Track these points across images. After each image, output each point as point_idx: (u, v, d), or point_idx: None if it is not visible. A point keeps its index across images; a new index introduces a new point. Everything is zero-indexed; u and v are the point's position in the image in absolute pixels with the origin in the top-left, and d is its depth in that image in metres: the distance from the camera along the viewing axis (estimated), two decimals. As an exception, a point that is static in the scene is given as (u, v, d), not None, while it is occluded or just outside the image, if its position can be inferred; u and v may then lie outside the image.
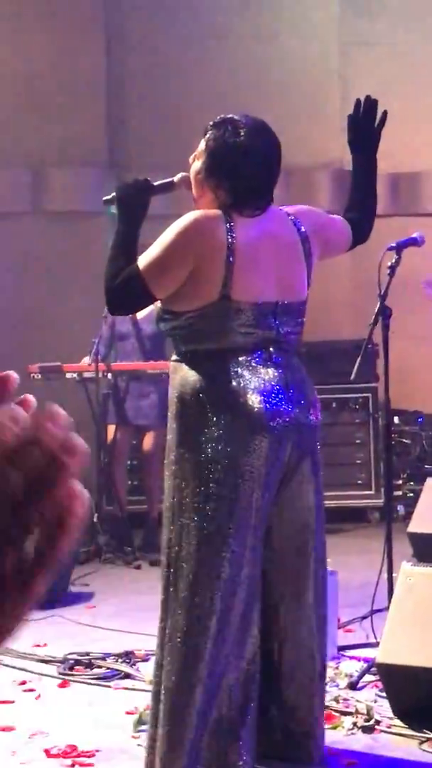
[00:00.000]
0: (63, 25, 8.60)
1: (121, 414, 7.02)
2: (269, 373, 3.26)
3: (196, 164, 3.35)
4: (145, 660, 4.62)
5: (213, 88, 8.52)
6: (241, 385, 3.23)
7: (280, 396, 3.25)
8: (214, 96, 8.30)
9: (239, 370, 3.24)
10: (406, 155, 7.98)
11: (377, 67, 8.75)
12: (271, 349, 3.29)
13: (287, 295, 3.32)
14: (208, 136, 3.32)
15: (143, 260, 3.25)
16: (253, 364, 3.25)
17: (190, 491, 3.24)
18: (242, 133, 3.28)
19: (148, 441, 7.09)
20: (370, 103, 3.56)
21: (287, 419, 3.26)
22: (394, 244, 4.57)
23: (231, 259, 3.19)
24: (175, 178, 3.46)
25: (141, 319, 6.82)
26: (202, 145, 3.34)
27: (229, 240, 3.20)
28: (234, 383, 3.23)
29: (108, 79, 8.80)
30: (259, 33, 8.77)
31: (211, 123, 3.34)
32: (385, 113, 3.57)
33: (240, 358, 3.25)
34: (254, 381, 3.24)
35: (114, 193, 3.41)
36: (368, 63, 8.79)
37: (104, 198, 3.49)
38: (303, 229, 3.37)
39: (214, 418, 3.21)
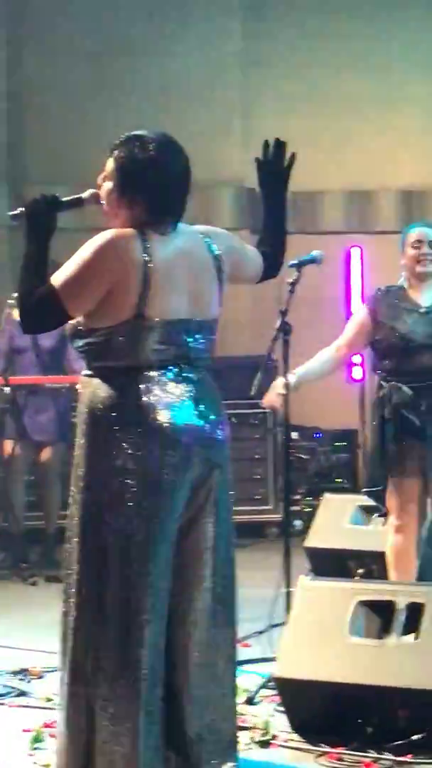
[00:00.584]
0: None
1: (19, 429, 6.95)
2: (180, 389, 3.27)
3: (107, 184, 3.33)
4: (40, 677, 4.58)
5: (113, 103, 8.52)
6: (151, 400, 3.23)
7: (189, 411, 3.27)
8: (115, 111, 8.29)
9: (150, 385, 3.24)
10: (305, 174, 8.01)
11: (278, 85, 8.84)
12: (182, 365, 3.30)
13: (200, 313, 3.33)
14: (116, 154, 3.30)
15: (58, 279, 3.22)
16: (164, 380, 3.26)
17: (101, 506, 3.21)
18: (151, 148, 3.28)
19: (46, 456, 7.04)
20: (279, 145, 3.56)
21: (196, 434, 3.27)
22: (295, 262, 4.63)
23: (146, 277, 3.19)
24: (84, 194, 3.43)
25: (39, 333, 6.75)
26: (111, 164, 3.32)
27: (145, 258, 3.20)
28: (144, 399, 3.23)
29: (8, 91, 8.73)
30: (161, 49, 8.79)
31: (116, 141, 3.32)
32: (293, 155, 3.57)
33: (151, 374, 3.25)
34: (164, 397, 3.24)
35: (21, 209, 3.37)
36: (269, 82, 8.87)
37: (10, 213, 3.45)
38: (215, 248, 3.39)
39: (124, 434, 3.21)
